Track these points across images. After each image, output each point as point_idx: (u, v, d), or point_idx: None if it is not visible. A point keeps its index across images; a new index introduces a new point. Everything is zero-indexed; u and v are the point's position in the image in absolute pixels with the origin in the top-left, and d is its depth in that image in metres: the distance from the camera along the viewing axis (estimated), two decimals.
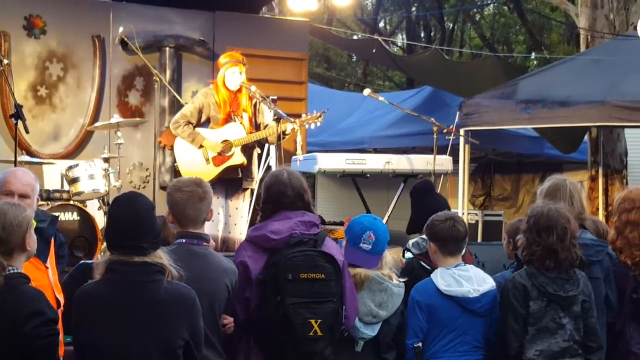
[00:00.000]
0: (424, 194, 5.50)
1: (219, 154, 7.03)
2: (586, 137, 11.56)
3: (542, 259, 4.36)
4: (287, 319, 3.85)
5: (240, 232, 7.20)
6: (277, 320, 3.86)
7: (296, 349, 3.90)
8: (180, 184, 4.09)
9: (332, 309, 3.96)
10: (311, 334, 3.89)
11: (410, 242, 5.04)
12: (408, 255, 5.02)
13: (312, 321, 3.88)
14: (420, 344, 4.39)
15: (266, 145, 7.44)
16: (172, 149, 7.55)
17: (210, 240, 4.21)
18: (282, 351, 3.92)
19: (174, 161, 7.61)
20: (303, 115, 7.17)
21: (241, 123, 7.11)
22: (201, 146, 7.06)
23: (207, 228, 6.93)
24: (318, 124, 7.22)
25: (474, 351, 4.43)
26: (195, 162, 7.10)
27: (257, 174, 7.37)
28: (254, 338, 4.03)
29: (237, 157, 7.06)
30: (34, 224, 4.09)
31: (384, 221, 7.88)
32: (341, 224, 7.44)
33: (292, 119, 7.02)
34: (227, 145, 7.03)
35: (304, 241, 3.99)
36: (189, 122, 7.12)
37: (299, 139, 7.15)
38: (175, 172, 7.62)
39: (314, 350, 3.94)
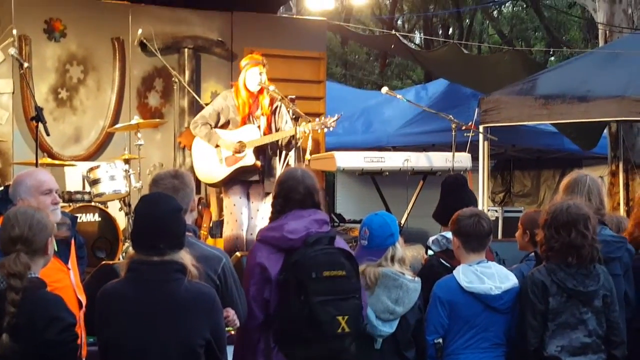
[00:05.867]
0: (456, 188, 5.43)
1: (233, 153, 7.07)
2: (606, 132, 11.49)
3: (563, 254, 4.33)
4: (314, 318, 3.85)
5: None
6: (303, 320, 3.86)
7: (324, 347, 3.90)
8: (157, 177, 4.11)
9: (356, 304, 3.98)
10: (339, 330, 3.90)
11: (431, 239, 5.03)
12: (430, 252, 5.01)
13: (340, 318, 3.89)
14: (440, 340, 4.38)
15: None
16: (191, 149, 7.60)
17: (197, 232, 4.20)
18: (308, 350, 3.91)
19: None
20: (317, 119, 7.20)
21: (258, 126, 7.16)
22: (217, 145, 7.11)
23: (233, 229, 7.04)
24: (331, 128, 7.28)
25: (495, 348, 4.42)
26: (208, 161, 7.17)
27: None
28: (274, 339, 4.01)
29: (249, 159, 7.11)
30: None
31: (403, 219, 7.94)
32: (360, 222, 7.44)
33: (309, 119, 7.07)
34: (241, 145, 7.08)
35: (320, 239, 4.01)
36: (206, 123, 7.17)
37: (309, 142, 7.24)
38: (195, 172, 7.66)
39: (342, 346, 3.94)
